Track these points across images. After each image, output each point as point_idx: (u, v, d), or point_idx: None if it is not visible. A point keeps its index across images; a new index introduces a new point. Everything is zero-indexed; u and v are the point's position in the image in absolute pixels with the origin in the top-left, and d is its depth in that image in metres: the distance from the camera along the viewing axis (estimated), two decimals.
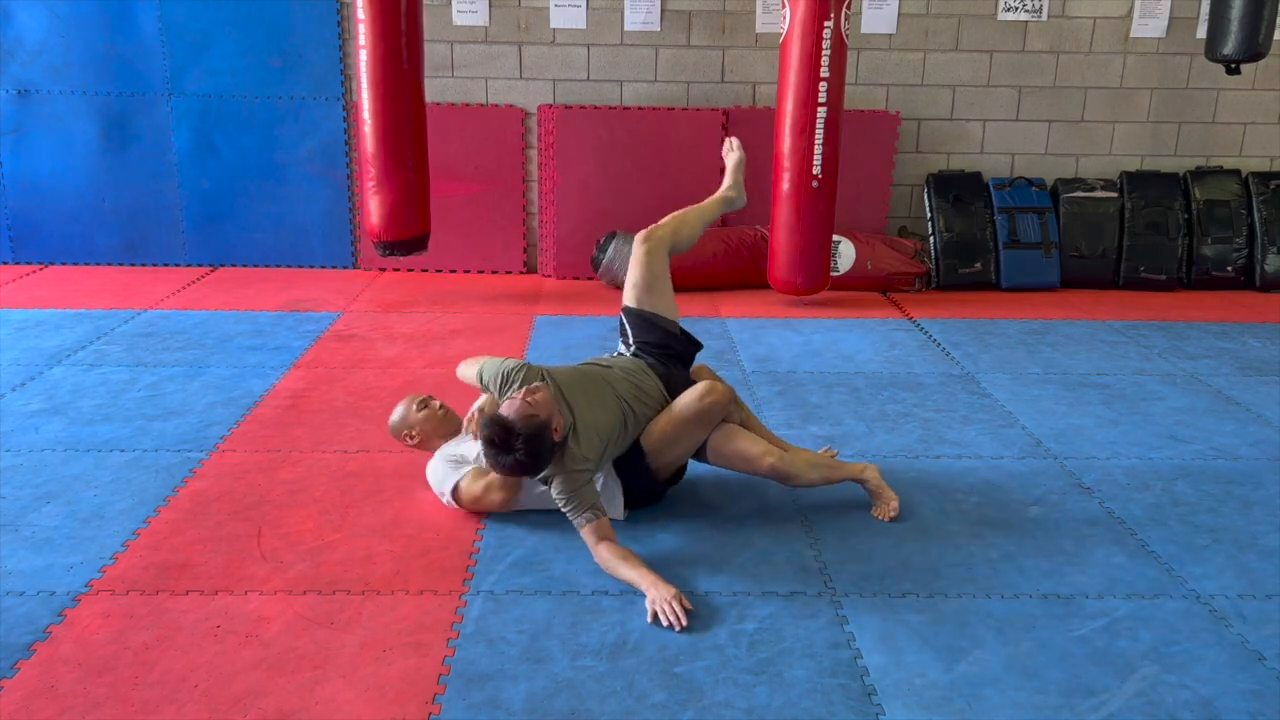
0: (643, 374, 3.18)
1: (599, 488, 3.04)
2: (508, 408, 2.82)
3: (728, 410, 3.13)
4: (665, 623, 2.56)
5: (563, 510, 2.88)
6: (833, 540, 3.05)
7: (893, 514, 3.17)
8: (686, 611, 2.59)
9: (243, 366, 4.55)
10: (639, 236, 3.34)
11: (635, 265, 3.33)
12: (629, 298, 3.35)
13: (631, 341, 3.34)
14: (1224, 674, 2.44)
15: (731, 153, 3.74)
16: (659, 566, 2.84)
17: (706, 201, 3.63)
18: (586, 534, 2.83)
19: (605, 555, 2.79)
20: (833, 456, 3.36)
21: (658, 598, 2.61)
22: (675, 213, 3.46)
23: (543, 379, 2.98)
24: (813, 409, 4.16)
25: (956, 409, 4.20)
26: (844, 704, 2.30)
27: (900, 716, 2.27)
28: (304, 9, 6.14)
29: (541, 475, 2.90)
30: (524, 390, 2.87)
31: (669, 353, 3.30)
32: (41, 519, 3.10)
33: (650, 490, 3.18)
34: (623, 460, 3.12)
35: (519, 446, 2.75)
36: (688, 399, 3.06)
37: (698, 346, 3.41)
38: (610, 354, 3.40)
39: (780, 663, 2.45)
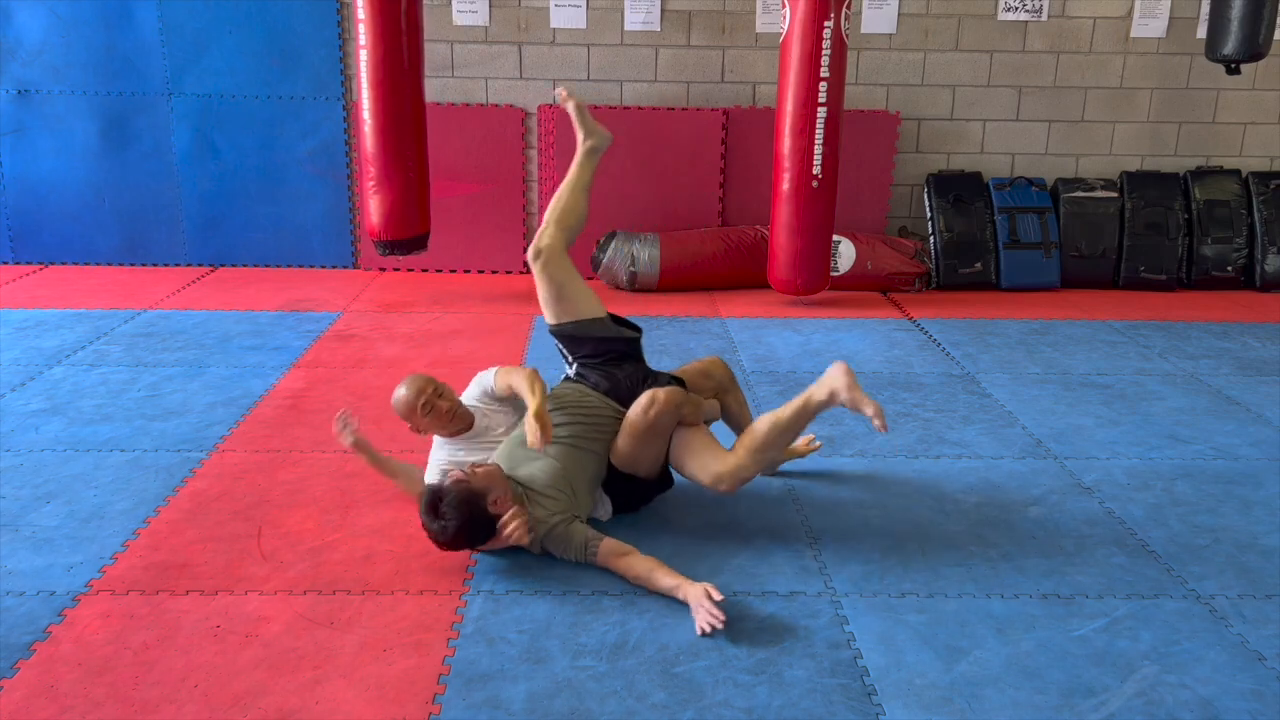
0: (582, 400, 3.08)
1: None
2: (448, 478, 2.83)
3: (680, 414, 3.00)
4: (710, 629, 2.53)
5: (573, 560, 2.84)
6: (833, 540, 3.05)
7: (879, 427, 2.80)
8: (719, 603, 2.57)
9: (243, 366, 4.55)
10: (529, 255, 3.19)
11: (538, 284, 3.18)
12: (547, 317, 3.23)
13: (571, 360, 3.25)
14: (1224, 674, 2.44)
15: (568, 100, 3.42)
16: None
17: (573, 169, 3.35)
18: (603, 562, 2.79)
19: (632, 569, 2.75)
20: (810, 441, 3.38)
21: (693, 606, 2.60)
22: (549, 206, 3.27)
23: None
24: None
25: (956, 409, 4.20)
26: (844, 704, 2.30)
27: (900, 716, 2.27)
28: (304, 9, 6.14)
29: (540, 546, 2.86)
30: (478, 463, 2.86)
31: (609, 357, 3.18)
32: (41, 519, 3.10)
33: (636, 491, 3.13)
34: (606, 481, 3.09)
35: (444, 511, 2.71)
36: (634, 415, 2.95)
37: (635, 334, 3.25)
38: (560, 377, 3.29)
39: (780, 663, 2.45)
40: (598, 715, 2.25)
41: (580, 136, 3.39)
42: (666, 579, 2.70)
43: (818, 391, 2.88)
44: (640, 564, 2.76)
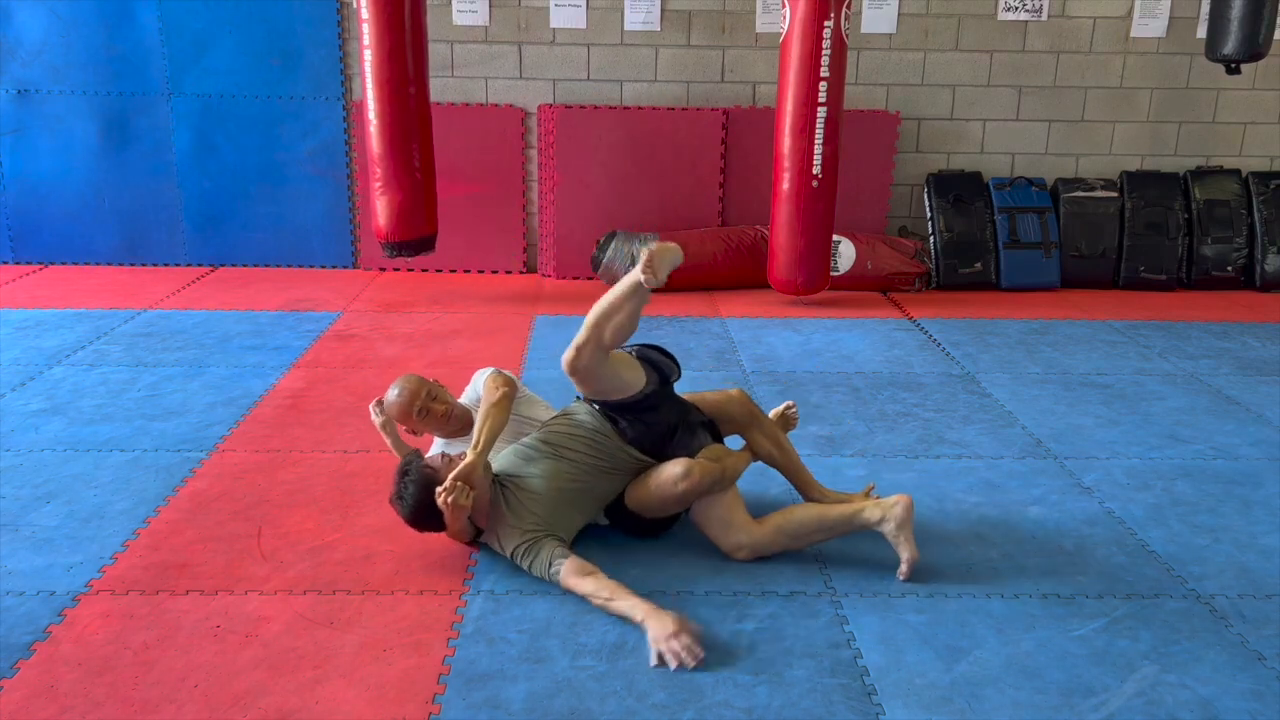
0: (600, 439, 2.92)
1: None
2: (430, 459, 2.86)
3: (711, 491, 2.87)
4: (675, 665, 2.40)
5: (536, 576, 2.76)
6: (833, 540, 3.05)
7: (903, 574, 2.81)
8: (697, 639, 2.46)
9: (242, 366, 4.55)
10: (564, 367, 2.82)
11: (580, 386, 2.91)
12: (585, 394, 2.98)
13: (609, 411, 3.02)
14: (1224, 674, 2.44)
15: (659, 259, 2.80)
16: (658, 567, 2.84)
17: (625, 294, 2.81)
18: (564, 581, 2.68)
19: (590, 590, 2.64)
20: (870, 491, 3.16)
21: (658, 638, 2.45)
22: (596, 313, 2.78)
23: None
24: (813, 409, 4.16)
25: (956, 409, 4.20)
26: (844, 704, 2.30)
27: (900, 716, 2.27)
28: (304, 9, 6.14)
29: (508, 551, 2.80)
30: (459, 454, 2.85)
31: (643, 407, 2.94)
32: (41, 519, 3.10)
33: (640, 526, 3.03)
34: (611, 510, 3.02)
35: (405, 487, 2.77)
36: (664, 480, 2.84)
37: (673, 377, 3.06)
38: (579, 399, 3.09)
39: (780, 663, 2.45)
40: (598, 715, 2.25)
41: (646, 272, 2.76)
42: (626, 603, 2.57)
43: (871, 511, 2.83)
44: (606, 584, 2.64)
